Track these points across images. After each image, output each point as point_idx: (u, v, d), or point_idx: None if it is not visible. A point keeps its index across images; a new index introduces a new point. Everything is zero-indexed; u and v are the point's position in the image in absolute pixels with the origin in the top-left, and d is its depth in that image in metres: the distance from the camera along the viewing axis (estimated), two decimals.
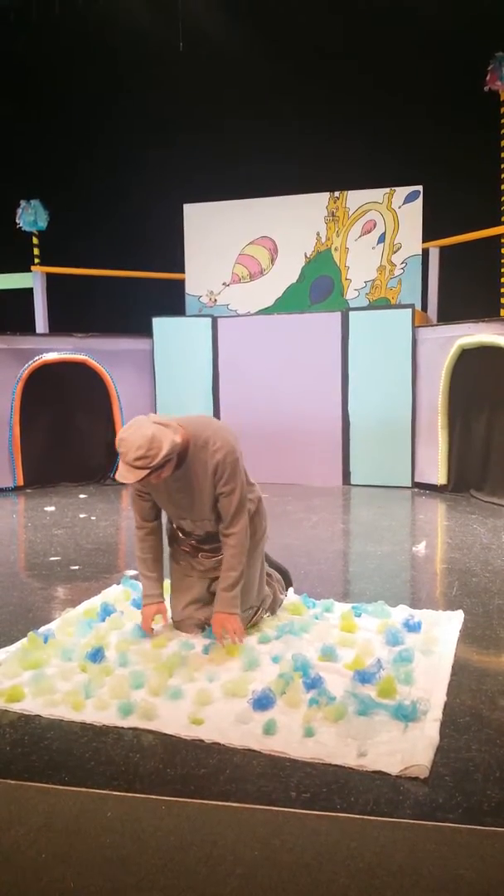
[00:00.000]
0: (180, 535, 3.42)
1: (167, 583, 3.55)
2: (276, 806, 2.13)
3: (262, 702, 2.68)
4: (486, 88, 7.89)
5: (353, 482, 7.54)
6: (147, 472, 2.88)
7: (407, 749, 2.39)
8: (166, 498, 3.24)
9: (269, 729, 2.52)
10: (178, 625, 3.40)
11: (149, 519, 3.33)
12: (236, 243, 8.66)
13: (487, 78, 7.87)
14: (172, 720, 2.61)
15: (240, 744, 2.47)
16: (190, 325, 8.02)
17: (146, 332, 8.08)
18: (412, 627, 3.41)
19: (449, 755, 2.40)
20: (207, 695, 2.76)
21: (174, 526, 3.43)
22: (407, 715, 2.57)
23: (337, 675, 2.92)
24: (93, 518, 6.26)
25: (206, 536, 3.31)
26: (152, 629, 3.34)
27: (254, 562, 3.38)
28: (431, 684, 2.86)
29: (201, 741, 2.50)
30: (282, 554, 4.05)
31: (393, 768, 2.30)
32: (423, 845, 1.97)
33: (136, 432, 2.89)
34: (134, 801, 2.17)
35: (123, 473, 2.90)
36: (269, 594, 3.56)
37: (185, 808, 2.13)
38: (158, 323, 8.06)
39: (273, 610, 3.60)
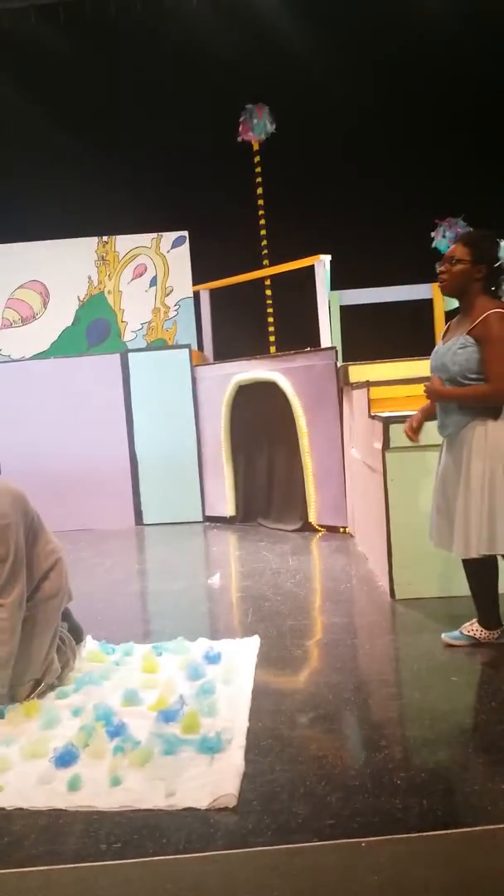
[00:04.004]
0: None
1: None
2: (86, 861, 2.08)
3: (65, 758, 2.59)
4: (239, 139, 8.41)
5: (145, 522, 7.53)
6: None
7: (214, 781, 2.42)
8: None
9: (73, 785, 2.45)
10: None
11: None
12: (4, 287, 8.44)
13: (240, 129, 8.40)
14: None
15: (44, 805, 2.37)
16: None
17: None
18: (212, 659, 3.47)
19: (255, 780, 2.46)
20: (5, 760, 2.62)
21: None
22: (212, 747, 2.60)
23: (141, 719, 2.89)
24: None
25: None
26: None
27: (43, 628, 3.18)
28: (234, 712, 2.92)
29: (2, 809, 2.38)
30: (78, 603, 3.94)
31: (202, 802, 2.32)
32: (237, 873, 2.01)
33: None
34: None
35: None
36: (58, 667, 3.29)
37: None
38: None
39: (62, 679, 3.32)
